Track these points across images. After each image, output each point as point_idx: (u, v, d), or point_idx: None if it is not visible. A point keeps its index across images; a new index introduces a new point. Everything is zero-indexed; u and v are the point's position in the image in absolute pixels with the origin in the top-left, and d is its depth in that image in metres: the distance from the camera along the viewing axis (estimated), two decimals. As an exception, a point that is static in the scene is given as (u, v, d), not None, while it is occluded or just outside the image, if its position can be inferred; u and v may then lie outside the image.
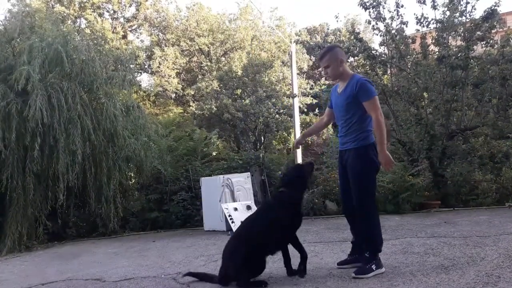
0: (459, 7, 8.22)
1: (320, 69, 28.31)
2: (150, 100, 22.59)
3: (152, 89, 23.05)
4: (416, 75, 8.35)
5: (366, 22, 9.89)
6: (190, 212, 8.33)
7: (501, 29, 9.48)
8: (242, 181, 7.38)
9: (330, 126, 3.93)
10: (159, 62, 21.33)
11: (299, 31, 28.50)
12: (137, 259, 5.10)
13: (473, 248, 3.89)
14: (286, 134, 20.39)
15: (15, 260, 5.98)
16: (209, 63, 22.30)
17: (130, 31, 24.58)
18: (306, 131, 3.90)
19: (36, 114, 6.40)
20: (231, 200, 7.06)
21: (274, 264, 3.66)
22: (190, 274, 3.63)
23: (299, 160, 12.02)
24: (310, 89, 20.22)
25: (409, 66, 8.80)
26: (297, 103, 14.31)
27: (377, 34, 9.05)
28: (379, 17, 8.67)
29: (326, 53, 3.44)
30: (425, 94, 8.67)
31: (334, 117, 3.69)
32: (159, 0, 23.56)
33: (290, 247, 3.45)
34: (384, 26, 8.72)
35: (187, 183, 8.85)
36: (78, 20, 21.93)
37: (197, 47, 22.67)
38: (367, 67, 9.11)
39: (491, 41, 8.17)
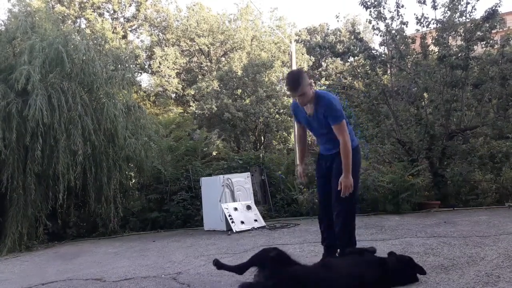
0: (460, 7, 8.22)
1: (319, 69, 28.35)
2: (150, 100, 22.61)
3: (152, 89, 23.08)
4: (416, 75, 8.35)
5: (366, 21, 9.89)
6: (190, 212, 8.33)
7: (501, 29, 9.48)
8: (242, 181, 7.39)
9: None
10: (159, 62, 21.36)
11: (299, 31, 28.54)
12: (137, 259, 5.10)
13: (473, 248, 3.88)
14: (286, 134, 20.41)
15: (15, 260, 5.98)
16: (209, 63, 22.33)
17: (130, 31, 24.60)
18: (300, 157, 3.88)
19: (36, 114, 6.40)
20: (231, 200, 7.06)
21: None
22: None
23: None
24: (310, 89, 20.24)
25: (409, 66, 8.80)
26: (297, 103, 14.28)
27: (377, 34, 9.05)
28: (380, 17, 8.67)
29: (299, 82, 3.25)
30: (425, 94, 8.66)
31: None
32: (159, 0, 23.58)
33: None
34: (385, 26, 8.72)
35: (187, 183, 8.85)
36: (78, 20, 21.98)
37: (197, 47, 22.69)
38: (367, 67, 9.12)
39: (491, 41, 8.17)
